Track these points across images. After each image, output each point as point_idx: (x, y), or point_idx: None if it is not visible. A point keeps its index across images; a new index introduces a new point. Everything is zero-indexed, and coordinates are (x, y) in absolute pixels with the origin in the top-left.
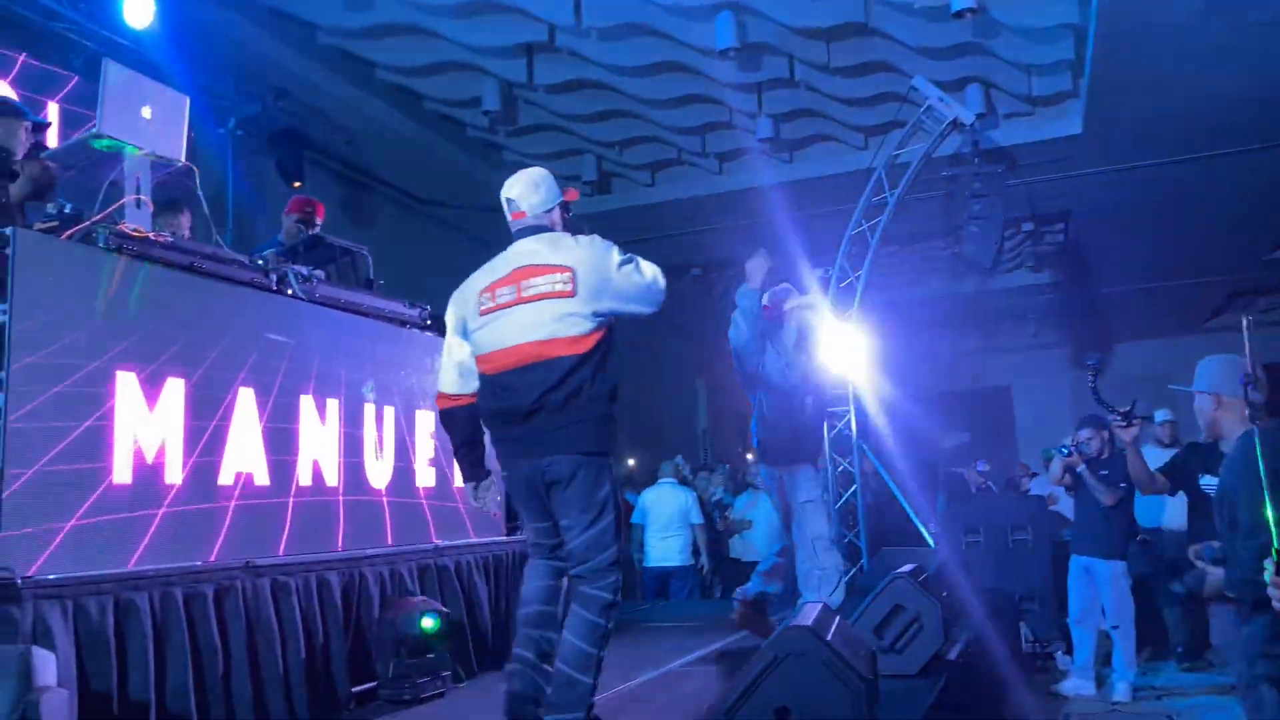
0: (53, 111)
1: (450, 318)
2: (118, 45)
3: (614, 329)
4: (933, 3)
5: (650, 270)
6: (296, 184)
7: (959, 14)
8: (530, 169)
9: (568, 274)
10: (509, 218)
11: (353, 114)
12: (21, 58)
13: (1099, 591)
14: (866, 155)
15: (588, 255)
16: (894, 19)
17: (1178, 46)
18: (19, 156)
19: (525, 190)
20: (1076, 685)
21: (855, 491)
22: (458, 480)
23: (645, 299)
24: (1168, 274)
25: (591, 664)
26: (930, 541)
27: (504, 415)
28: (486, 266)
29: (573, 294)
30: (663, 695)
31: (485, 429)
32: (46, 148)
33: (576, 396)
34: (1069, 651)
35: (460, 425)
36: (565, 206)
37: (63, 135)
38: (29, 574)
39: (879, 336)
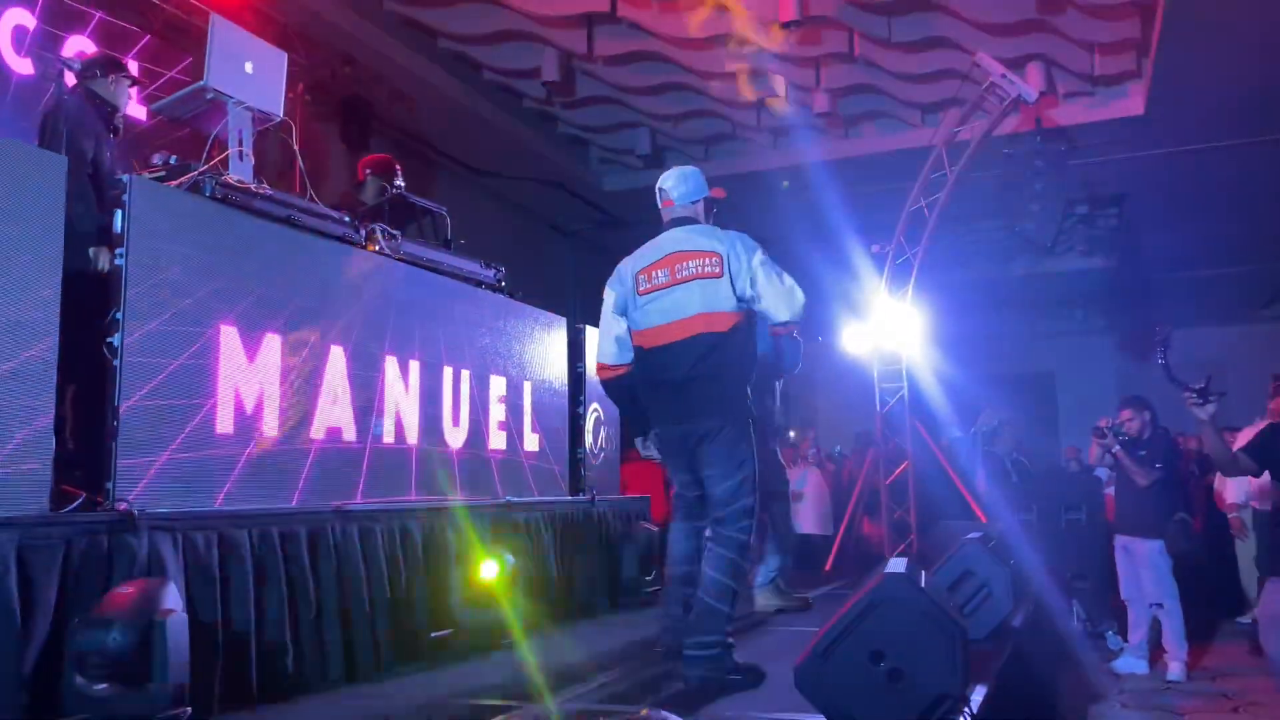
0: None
1: (609, 297)
2: (193, 8)
3: (753, 318)
4: None
5: (789, 279)
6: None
7: None
8: (684, 166)
9: (717, 258)
10: (660, 205)
11: (414, 82)
12: (99, 15)
13: (1139, 571)
14: (923, 133)
15: (737, 244)
16: None
17: (1246, 27)
18: (121, 112)
19: (676, 181)
20: (1130, 664)
21: (907, 469)
22: (527, 445)
23: (783, 301)
24: (1223, 260)
25: (728, 594)
26: (982, 518)
27: (661, 384)
28: (638, 252)
29: (720, 275)
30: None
31: (642, 394)
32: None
33: (721, 370)
34: (1120, 631)
35: (621, 391)
36: (711, 203)
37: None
38: (136, 503)
39: (929, 315)
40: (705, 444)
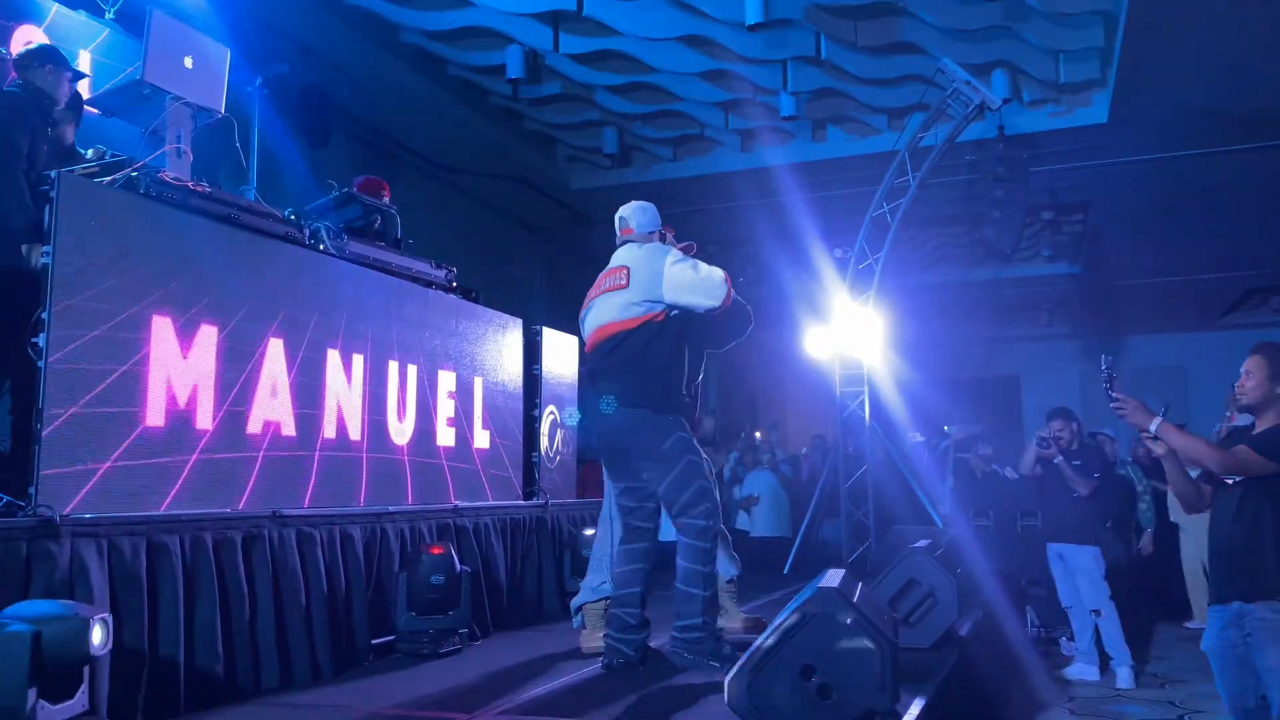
0: (84, 61)
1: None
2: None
3: (671, 316)
4: None
5: (706, 268)
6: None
7: None
8: (642, 201)
9: (624, 271)
10: (619, 233)
11: (377, 77)
12: (55, 7)
13: (1075, 578)
14: (889, 137)
15: (642, 255)
16: None
17: (1209, 38)
18: (60, 105)
19: (636, 212)
20: (1080, 670)
21: (865, 471)
22: (478, 442)
23: (699, 290)
24: (1185, 268)
25: (699, 579)
26: (939, 522)
27: (588, 383)
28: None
29: (626, 286)
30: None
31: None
32: (81, 98)
33: (631, 363)
34: (1073, 638)
35: None
36: (663, 237)
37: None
38: (65, 512)
39: (892, 320)
40: (632, 443)
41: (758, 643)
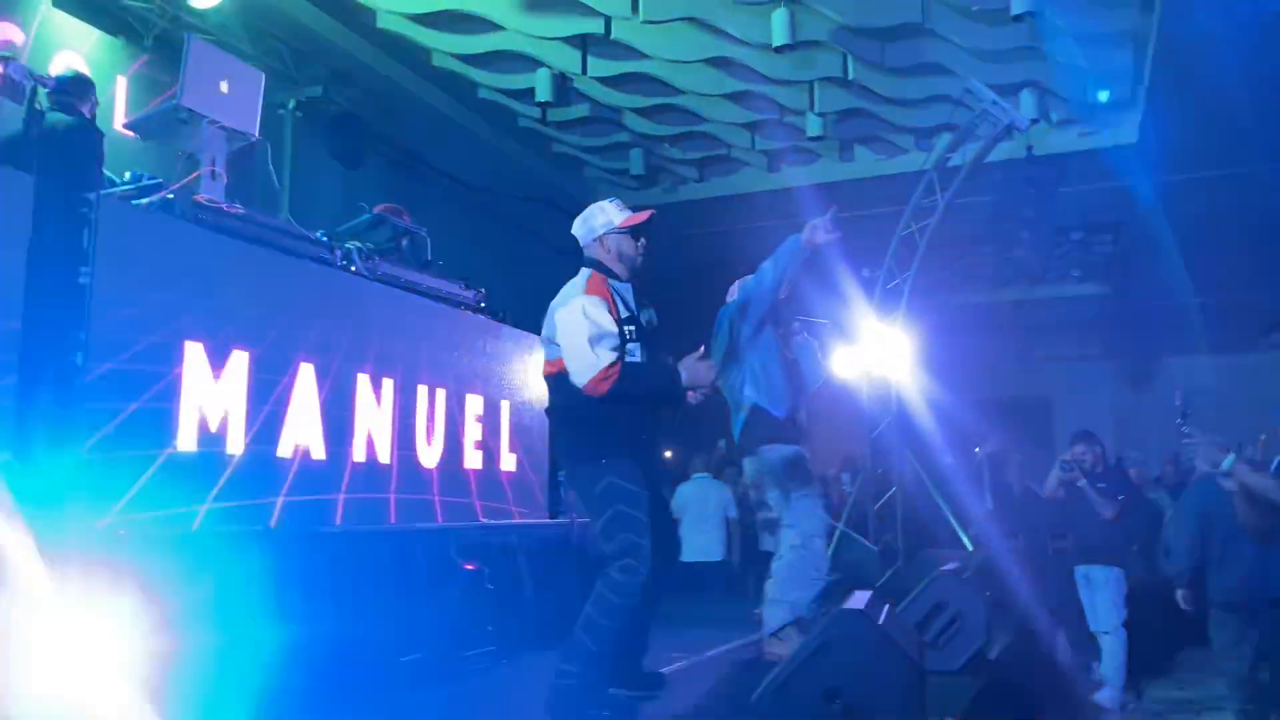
0: (121, 86)
1: None
2: (185, 24)
3: None
4: (991, 5)
5: (588, 342)
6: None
7: (1018, 17)
8: (593, 204)
9: (551, 308)
10: None
11: (408, 99)
12: (96, 35)
13: (1096, 599)
14: (917, 157)
15: (560, 295)
16: (951, 20)
17: (1239, 58)
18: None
19: (577, 224)
20: (1110, 696)
21: (894, 493)
22: (504, 464)
23: (570, 355)
24: (1219, 288)
25: (594, 629)
26: (968, 545)
27: None
28: None
29: (545, 327)
30: (701, 680)
31: None
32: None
33: (559, 410)
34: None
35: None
36: (627, 233)
37: (131, 108)
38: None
39: (921, 340)
40: (575, 491)
41: (781, 665)
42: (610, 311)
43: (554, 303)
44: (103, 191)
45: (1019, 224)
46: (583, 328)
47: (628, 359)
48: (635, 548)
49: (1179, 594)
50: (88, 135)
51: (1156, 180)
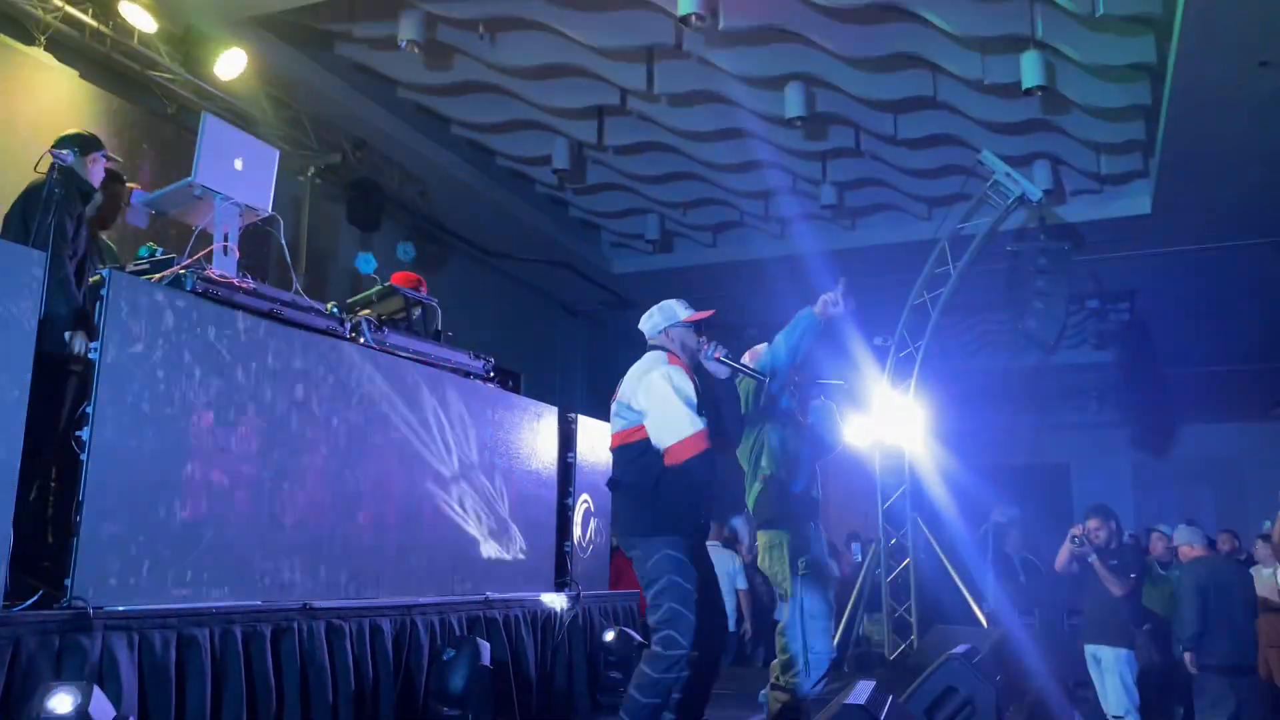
0: (142, 155)
1: None
2: (208, 94)
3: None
4: (1002, 79)
5: (679, 405)
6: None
7: (1029, 91)
8: (659, 303)
9: (621, 389)
10: None
11: (427, 167)
12: (118, 103)
13: (1105, 680)
14: (929, 226)
15: (637, 367)
16: (962, 93)
17: (1250, 130)
18: (95, 185)
19: (644, 320)
20: None
21: (908, 565)
22: (511, 537)
23: (657, 419)
24: (1234, 358)
25: (630, 704)
26: (982, 620)
27: None
28: None
29: (618, 396)
30: None
31: None
32: (121, 179)
33: (621, 484)
34: None
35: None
36: (694, 326)
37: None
38: (99, 605)
39: (935, 408)
40: (630, 558)
41: None
42: (692, 385)
43: (631, 373)
44: (117, 265)
45: (1032, 294)
46: (671, 392)
47: None
48: (678, 618)
49: (1186, 657)
50: (81, 191)
51: (1170, 250)
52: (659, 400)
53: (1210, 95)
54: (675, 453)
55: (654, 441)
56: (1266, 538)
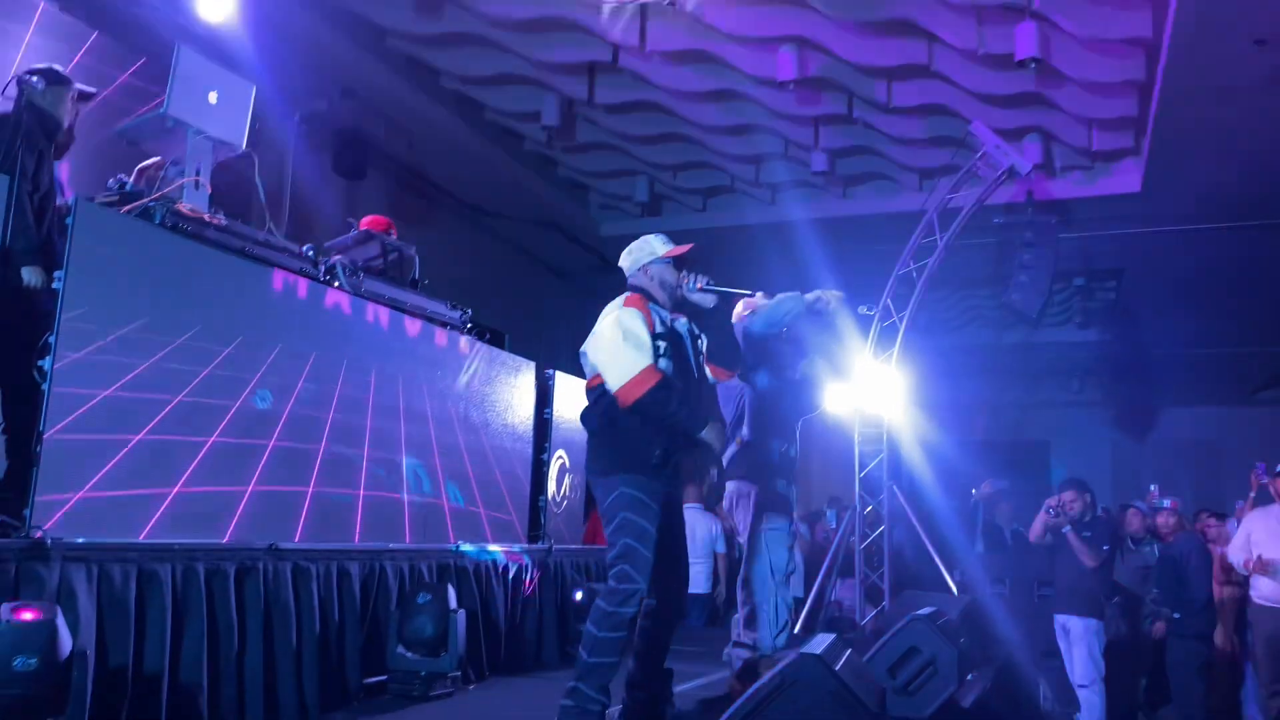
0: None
1: None
2: (192, 34)
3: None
4: (996, 50)
5: (628, 348)
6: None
7: (1022, 63)
8: (638, 239)
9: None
10: None
11: (415, 119)
12: (94, 35)
13: (1073, 650)
14: (919, 196)
15: (601, 316)
16: (956, 62)
17: (1243, 111)
18: (66, 124)
19: (623, 256)
20: None
21: (883, 532)
22: (485, 489)
23: (606, 365)
24: (1219, 340)
25: (589, 641)
26: (953, 588)
27: None
28: None
29: (583, 346)
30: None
31: None
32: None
33: (586, 428)
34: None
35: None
36: (671, 262)
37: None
38: (57, 535)
39: (918, 380)
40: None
41: (735, 706)
42: (646, 324)
43: (600, 320)
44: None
45: (1017, 267)
46: (617, 334)
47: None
48: (633, 554)
49: (1155, 625)
50: (43, 126)
51: (1159, 229)
52: (605, 345)
53: (1205, 72)
54: (625, 392)
55: (607, 385)
56: (1222, 517)
